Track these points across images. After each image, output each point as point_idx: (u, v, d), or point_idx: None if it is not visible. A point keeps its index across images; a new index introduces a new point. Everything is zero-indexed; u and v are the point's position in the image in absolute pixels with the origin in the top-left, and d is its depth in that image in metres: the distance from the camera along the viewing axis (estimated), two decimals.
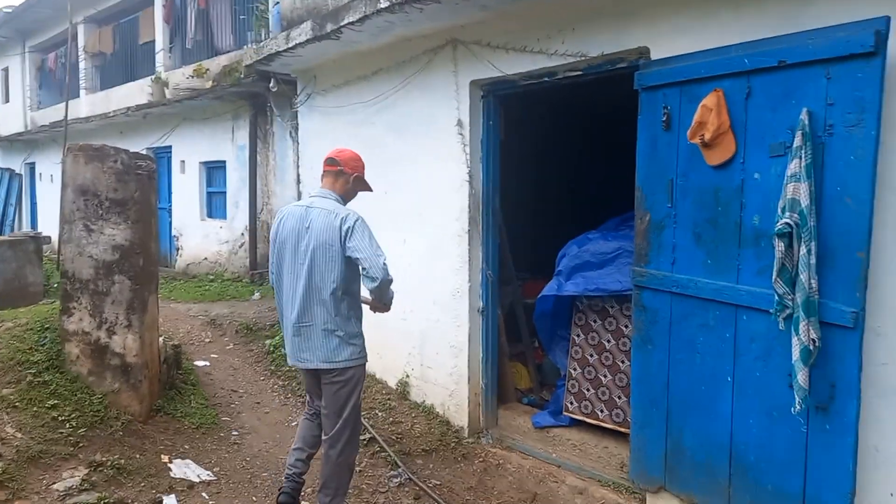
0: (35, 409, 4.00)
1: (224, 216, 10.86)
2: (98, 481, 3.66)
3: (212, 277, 10.47)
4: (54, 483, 3.56)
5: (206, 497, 3.85)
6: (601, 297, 4.24)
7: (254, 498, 3.90)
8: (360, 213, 3.24)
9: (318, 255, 3.19)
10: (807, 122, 2.70)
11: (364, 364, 3.41)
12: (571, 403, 4.44)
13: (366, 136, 5.40)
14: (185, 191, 11.55)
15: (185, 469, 4.10)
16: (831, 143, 2.67)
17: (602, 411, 4.27)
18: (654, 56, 3.40)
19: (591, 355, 4.35)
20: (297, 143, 6.54)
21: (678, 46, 3.27)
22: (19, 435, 3.79)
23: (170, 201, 12.03)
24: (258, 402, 5.46)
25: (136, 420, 4.38)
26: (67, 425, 3.97)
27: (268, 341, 6.68)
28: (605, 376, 4.26)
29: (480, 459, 4.45)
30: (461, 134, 4.60)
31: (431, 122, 4.81)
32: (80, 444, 3.90)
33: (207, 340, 6.89)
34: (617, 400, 4.22)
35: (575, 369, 4.43)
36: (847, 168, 2.63)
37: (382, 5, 4.20)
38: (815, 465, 2.80)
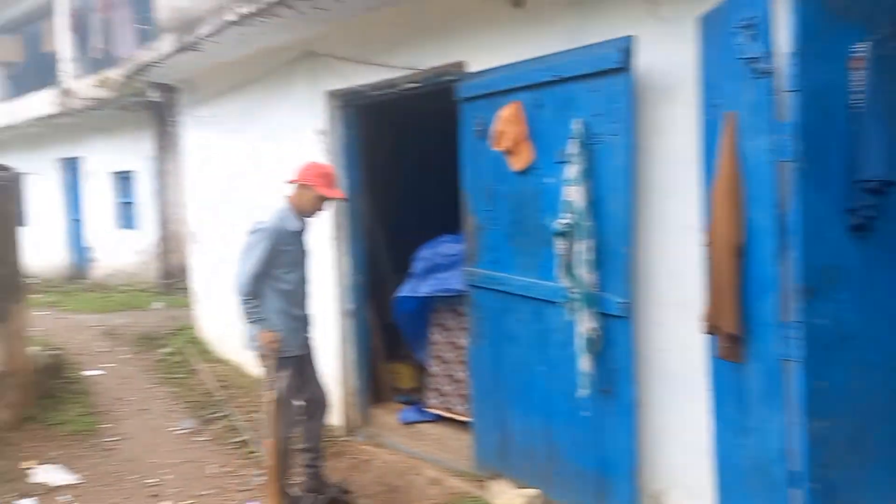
0: None
1: (135, 226, 10.79)
2: None
3: (126, 288, 10.39)
4: None
5: (69, 499, 3.94)
6: (455, 296, 4.45)
7: (114, 500, 3.99)
8: (266, 225, 3.48)
9: None
10: (579, 131, 2.96)
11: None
12: (433, 399, 4.66)
13: (240, 145, 5.53)
14: (97, 201, 11.42)
15: (47, 474, 4.18)
16: (599, 149, 2.93)
17: (459, 405, 4.50)
18: (471, 69, 3.63)
19: (449, 353, 4.57)
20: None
21: (489, 61, 3.50)
22: None
23: (79, 212, 11.87)
24: (144, 409, 5.52)
25: (3, 429, 4.42)
26: None
27: (161, 350, 6.73)
28: (460, 372, 4.49)
29: (350, 456, 4.62)
30: (323, 142, 4.77)
31: (297, 130, 4.96)
32: None
33: (103, 350, 6.90)
34: None
35: (435, 367, 4.65)
36: (612, 172, 2.90)
37: (231, 18, 4.33)
38: (605, 445, 3.07)
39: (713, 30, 2.50)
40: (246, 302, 3.46)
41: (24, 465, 4.17)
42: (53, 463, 4.31)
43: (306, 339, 3.74)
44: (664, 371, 2.96)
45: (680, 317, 2.84)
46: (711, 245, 2.41)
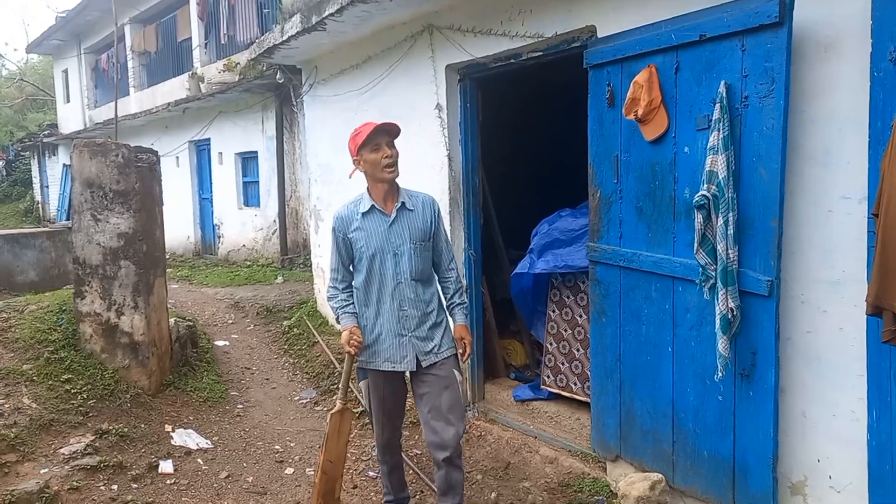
0: (50, 382, 4.40)
1: (258, 204, 11.31)
2: (102, 447, 4.02)
3: (249, 263, 10.94)
4: (62, 448, 3.93)
5: (201, 462, 4.18)
6: (573, 273, 4.33)
7: (244, 464, 4.20)
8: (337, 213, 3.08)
9: None
10: (725, 94, 2.75)
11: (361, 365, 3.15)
12: (548, 377, 4.56)
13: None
14: (224, 181, 12.06)
15: (185, 438, 4.45)
16: (747, 114, 2.71)
17: (575, 384, 4.38)
18: (601, 34, 3.47)
19: (566, 330, 4.45)
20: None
21: (621, 24, 3.32)
22: (34, 405, 4.19)
23: (211, 191, 12.59)
24: (268, 379, 5.79)
25: (145, 394, 4.74)
26: (79, 397, 4.36)
27: (285, 322, 7.01)
28: (577, 350, 4.36)
29: (464, 431, 4.63)
30: (440, 117, 4.75)
31: (414, 107, 4.97)
32: (90, 414, 4.29)
33: (230, 322, 7.29)
34: (588, 373, 4.32)
35: (551, 344, 4.55)
36: (761, 139, 2.67)
37: None
38: (741, 431, 2.87)
39: None
40: (332, 296, 3.13)
41: (166, 428, 4.45)
42: (189, 427, 4.58)
43: (403, 356, 3.01)
44: (810, 355, 2.72)
45: (831, 297, 2.59)
46: (882, 217, 2.16)
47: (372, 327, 3.03)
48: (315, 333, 6.37)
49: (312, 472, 4.05)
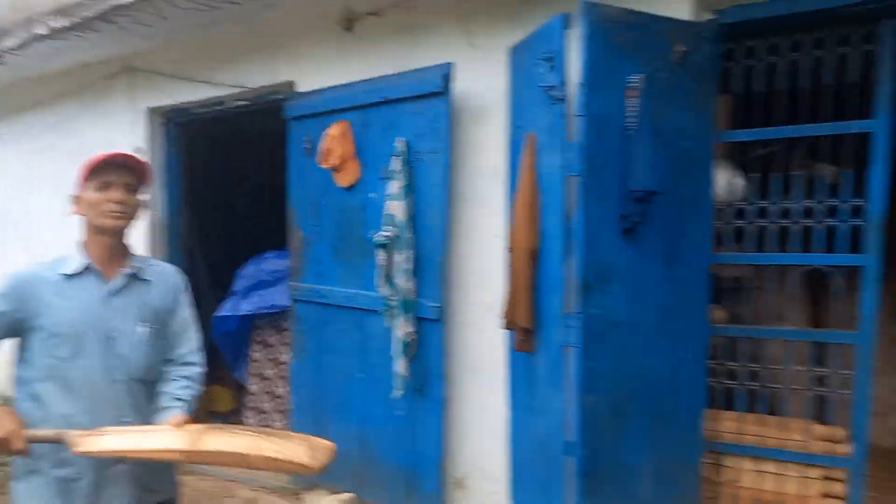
0: None
1: None
2: None
3: None
4: None
5: None
6: (278, 312, 4.46)
7: None
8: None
9: None
10: (403, 149, 3.21)
11: None
12: (250, 418, 4.58)
13: (50, 164, 5.16)
14: None
15: None
16: (420, 166, 3.20)
17: (279, 422, 4.46)
18: (300, 89, 3.78)
19: (270, 370, 4.55)
20: None
21: (318, 82, 3.67)
22: None
23: None
24: None
25: None
26: None
27: None
28: (281, 388, 4.47)
29: None
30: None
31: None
32: None
33: None
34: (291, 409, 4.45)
35: (255, 385, 4.59)
36: (431, 187, 3.17)
37: (41, 31, 4.12)
38: (417, 441, 3.26)
39: (520, 60, 2.88)
40: None
41: None
42: None
43: (114, 498, 2.00)
44: (472, 367, 3.23)
45: (486, 317, 3.14)
46: (512, 250, 2.73)
47: (57, 456, 1.92)
48: None
49: None
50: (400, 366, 3.14)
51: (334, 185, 3.56)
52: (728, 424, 2.89)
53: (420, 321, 3.19)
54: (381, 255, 3.18)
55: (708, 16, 2.75)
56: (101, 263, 2.03)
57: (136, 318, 2.05)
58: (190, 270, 5.00)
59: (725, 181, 2.89)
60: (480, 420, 3.22)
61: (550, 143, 2.59)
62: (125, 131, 4.68)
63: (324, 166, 3.53)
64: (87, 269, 2.01)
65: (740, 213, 2.88)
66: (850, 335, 2.67)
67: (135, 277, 2.08)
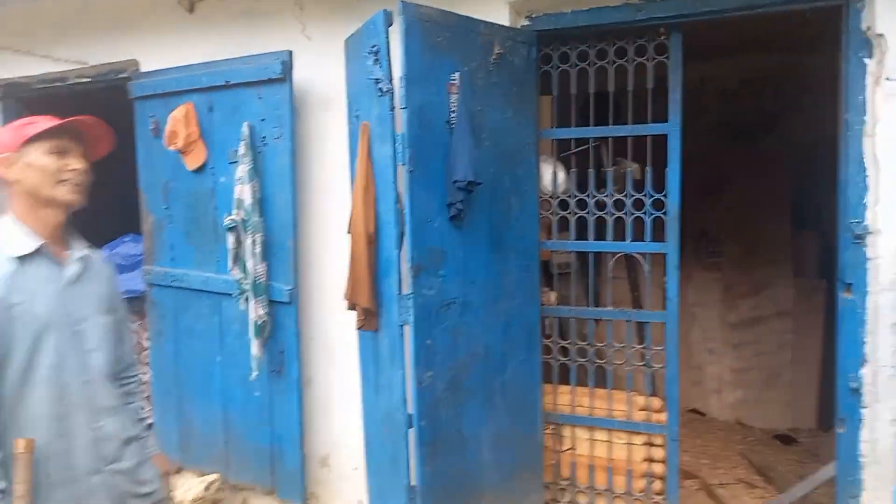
0: None
1: None
2: None
3: None
4: None
5: None
6: (138, 297, 4.38)
7: None
8: None
9: None
10: (248, 134, 3.20)
11: None
12: None
13: None
14: None
15: None
16: (266, 151, 3.22)
17: (146, 409, 4.42)
18: (143, 69, 3.67)
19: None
20: None
21: (162, 62, 3.56)
22: None
23: None
24: None
25: None
26: None
27: None
28: (146, 374, 4.42)
29: None
30: None
31: None
32: None
33: None
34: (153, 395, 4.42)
35: None
36: (277, 172, 3.20)
37: None
38: (277, 421, 3.34)
39: (354, 52, 2.94)
40: None
41: None
42: None
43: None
44: (327, 348, 3.35)
45: (337, 300, 3.23)
46: (352, 235, 2.83)
47: (36, 468, 1.64)
48: None
49: None
50: (255, 348, 3.20)
51: (183, 167, 3.51)
52: (564, 397, 3.16)
53: (273, 304, 3.24)
54: (231, 239, 3.19)
55: (524, 22, 2.92)
56: (51, 244, 1.74)
57: (97, 307, 1.81)
58: None
59: (550, 174, 3.10)
60: (339, 399, 3.35)
61: (381, 133, 2.69)
62: None
63: (170, 148, 3.47)
64: (40, 251, 1.70)
65: (564, 204, 3.11)
66: (658, 315, 2.97)
67: (88, 259, 1.82)
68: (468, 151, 2.63)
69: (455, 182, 2.62)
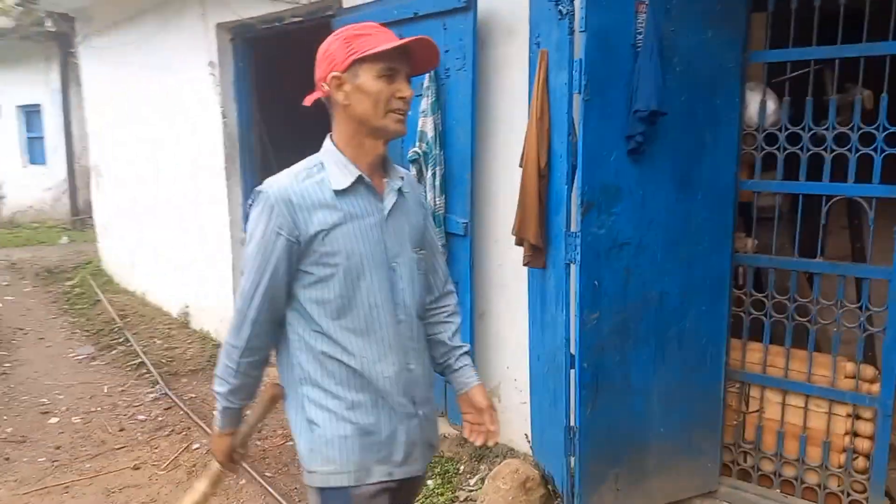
0: None
1: (44, 162, 10.56)
2: None
3: (36, 225, 10.24)
4: None
5: None
6: None
7: (4, 417, 4.18)
8: (268, 188, 1.51)
9: None
10: None
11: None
12: None
13: (132, 77, 5.57)
14: (4, 136, 11.06)
15: None
16: (448, 83, 3.22)
17: None
18: (345, 5, 3.83)
19: None
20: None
21: None
22: None
23: None
24: (42, 338, 5.66)
25: None
26: None
27: (67, 282, 6.80)
28: None
29: None
30: (213, 75, 4.89)
31: (188, 63, 5.06)
32: None
33: (3, 284, 6.91)
34: None
35: None
36: (458, 105, 3.19)
37: None
38: None
39: None
40: (231, 357, 1.56)
41: None
42: None
43: (411, 449, 1.63)
44: (500, 283, 3.33)
45: (510, 235, 3.19)
46: (524, 168, 2.74)
47: (363, 410, 1.57)
48: (98, 291, 6.28)
49: (79, 420, 4.14)
50: None
51: None
52: (754, 355, 2.83)
53: (449, 236, 3.30)
54: (413, 171, 3.28)
55: None
56: (369, 174, 1.57)
57: (409, 241, 1.64)
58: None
59: (756, 104, 2.71)
60: (509, 333, 3.35)
61: (559, 60, 2.53)
62: (199, 48, 4.94)
63: None
64: (359, 182, 1.54)
65: (772, 139, 2.71)
66: (882, 271, 2.51)
67: (401, 191, 1.64)
68: (653, 78, 2.38)
69: (636, 112, 2.40)
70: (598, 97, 2.42)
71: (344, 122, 1.54)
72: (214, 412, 1.63)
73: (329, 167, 1.53)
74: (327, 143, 1.57)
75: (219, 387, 1.58)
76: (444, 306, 1.78)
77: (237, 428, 1.65)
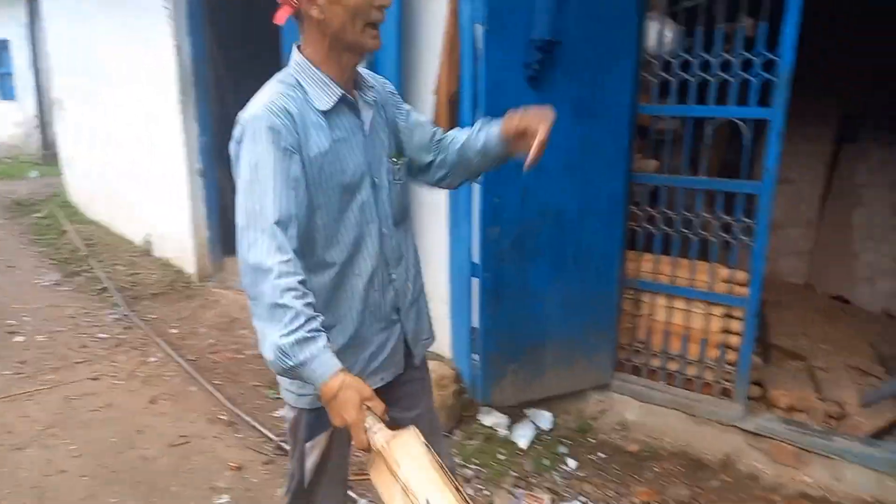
0: None
1: (14, 97, 10.53)
2: None
3: (7, 159, 10.30)
4: None
5: None
6: None
7: None
8: (257, 111, 1.40)
9: None
10: None
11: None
12: None
13: (90, 9, 5.63)
14: None
15: None
16: None
17: None
18: None
19: None
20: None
21: None
22: None
23: None
24: (11, 266, 5.88)
25: None
26: None
27: (35, 214, 6.98)
28: None
29: (202, 297, 5.20)
30: (166, 7, 4.97)
31: None
32: None
33: None
34: None
35: None
36: (383, 33, 3.33)
37: None
38: None
39: None
40: (288, 292, 1.31)
41: None
42: None
43: (393, 355, 1.67)
44: (429, 202, 3.57)
45: None
46: (437, 95, 2.96)
47: (348, 320, 1.57)
48: (64, 222, 6.48)
49: (43, 338, 4.41)
50: None
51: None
52: (646, 265, 3.14)
53: None
54: None
55: None
56: (347, 90, 1.51)
57: (387, 151, 1.61)
58: (221, 117, 5.50)
59: (656, 33, 2.92)
60: (437, 249, 3.61)
61: None
62: None
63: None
64: (342, 102, 1.49)
65: (667, 66, 2.93)
66: (751, 185, 2.79)
67: (375, 103, 1.60)
68: (548, 7, 2.58)
69: (532, 41, 2.61)
70: (499, 26, 2.62)
71: (318, 38, 1.44)
72: (303, 370, 1.28)
73: (308, 86, 1.45)
74: (299, 57, 1.47)
75: (288, 325, 1.26)
76: (443, 137, 1.77)
77: (341, 366, 1.29)
